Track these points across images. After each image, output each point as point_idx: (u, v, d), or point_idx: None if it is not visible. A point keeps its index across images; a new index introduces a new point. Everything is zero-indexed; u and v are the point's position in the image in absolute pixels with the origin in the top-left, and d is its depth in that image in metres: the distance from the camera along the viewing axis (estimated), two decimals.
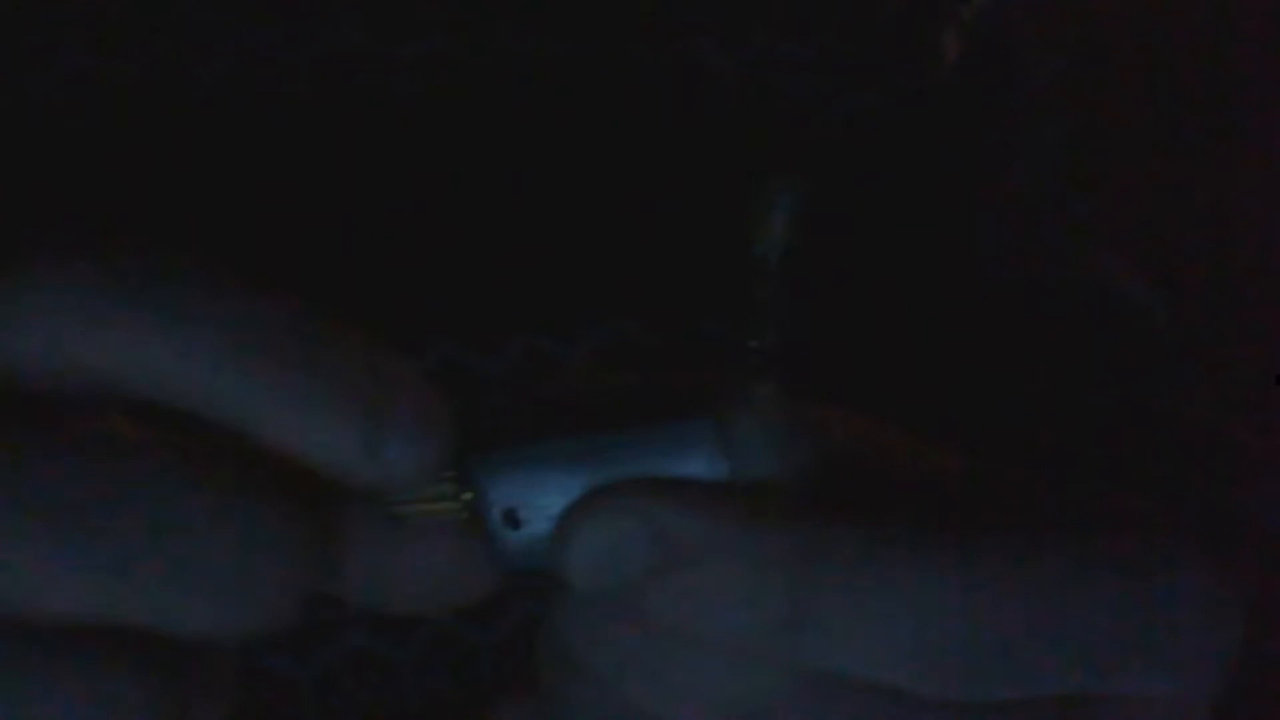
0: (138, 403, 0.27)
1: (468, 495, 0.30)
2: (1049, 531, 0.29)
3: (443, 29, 0.44)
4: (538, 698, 0.31)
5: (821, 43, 0.48)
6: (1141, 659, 0.29)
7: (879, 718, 0.28)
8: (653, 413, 0.29)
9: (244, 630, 0.27)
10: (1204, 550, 0.30)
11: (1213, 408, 0.51)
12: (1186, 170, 1.20)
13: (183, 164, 0.42)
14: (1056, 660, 0.28)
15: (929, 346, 0.51)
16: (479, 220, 0.44)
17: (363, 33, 0.43)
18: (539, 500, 0.29)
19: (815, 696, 0.28)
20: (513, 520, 0.29)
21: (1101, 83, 1.16)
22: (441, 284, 0.44)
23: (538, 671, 0.31)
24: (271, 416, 0.27)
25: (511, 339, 0.44)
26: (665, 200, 0.46)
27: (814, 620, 0.27)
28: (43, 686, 0.26)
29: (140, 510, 0.26)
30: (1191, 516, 0.39)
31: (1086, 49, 1.14)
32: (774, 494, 0.28)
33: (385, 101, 0.43)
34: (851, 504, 0.28)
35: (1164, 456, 0.47)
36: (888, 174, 0.49)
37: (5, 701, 0.26)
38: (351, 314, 0.42)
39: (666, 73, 0.46)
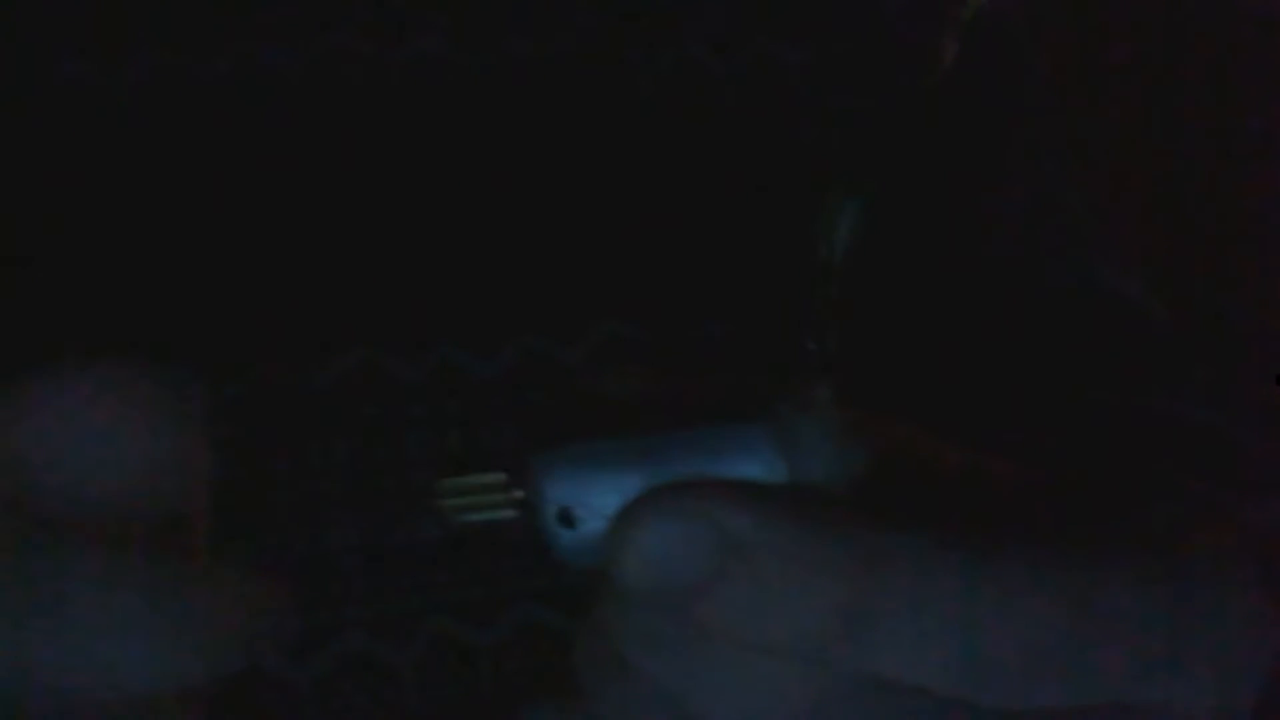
0: None
1: (519, 494, 0.29)
2: (1101, 541, 0.29)
3: (440, 30, 0.44)
4: (574, 698, 0.30)
5: (818, 45, 0.48)
6: (1187, 668, 0.29)
7: None
8: (710, 414, 0.29)
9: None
10: (1248, 561, 0.30)
11: (1212, 408, 0.51)
12: (1187, 170, 1.20)
13: (182, 167, 0.42)
14: (1106, 669, 0.28)
15: (931, 346, 0.51)
16: (477, 221, 0.44)
17: (361, 34, 0.43)
18: (594, 499, 0.29)
19: (868, 702, 0.28)
20: (567, 519, 0.29)
21: (1101, 83, 1.16)
22: (440, 285, 0.44)
23: (575, 671, 0.30)
24: None
25: (510, 340, 0.44)
26: (663, 201, 0.46)
27: (870, 626, 0.27)
28: None
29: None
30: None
31: (1085, 49, 1.14)
32: (833, 499, 0.28)
33: (383, 102, 0.43)
34: (908, 510, 0.28)
35: (1163, 458, 0.48)
36: (889, 176, 0.49)
37: None
38: (351, 315, 0.42)
39: (663, 75, 0.46)
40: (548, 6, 0.45)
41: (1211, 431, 0.50)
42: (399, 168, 0.43)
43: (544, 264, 0.44)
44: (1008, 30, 0.54)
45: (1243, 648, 0.30)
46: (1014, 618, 0.27)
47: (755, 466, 0.29)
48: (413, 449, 0.43)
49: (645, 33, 0.46)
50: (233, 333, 0.42)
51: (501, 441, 0.43)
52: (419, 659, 0.43)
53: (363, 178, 0.43)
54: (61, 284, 0.41)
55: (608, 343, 0.44)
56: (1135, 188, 1.21)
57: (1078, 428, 0.49)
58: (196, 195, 0.42)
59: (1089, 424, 0.49)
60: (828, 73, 0.48)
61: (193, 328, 0.41)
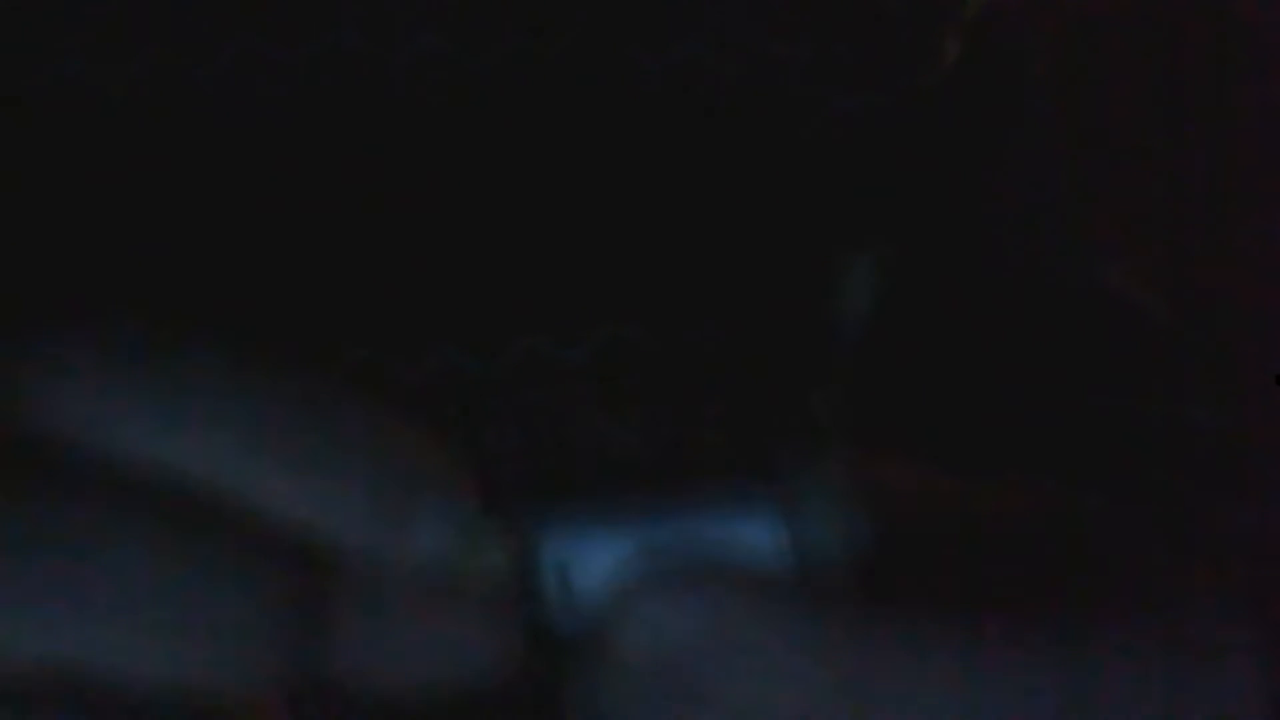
0: None
1: (516, 546, 0.29)
2: (1098, 610, 0.28)
3: (440, 30, 0.43)
4: None
5: (820, 44, 0.47)
6: None
7: None
8: (714, 472, 0.28)
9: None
10: (1253, 630, 0.29)
11: (1215, 410, 0.51)
12: (1187, 170, 1.19)
13: (180, 167, 0.41)
14: None
15: (933, 346, 0.50)
16: (477, 222, 0.44)
17: (360, 33, 0.42)
18: (592, 559, 0.28)
19: None
20: (563, 578, 0.28)
21: (1101, 82, 1.16)
22: (440, 287, 0.43)
23: None
24: (296, 502, 0.26)
25: (511, 342, 0.43)
26: (664, 201, 0.45)
27: (871, 707, 0.27)
28: None
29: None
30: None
31: (1086, 48, 1.14)
32: (836, 578, 0.28)
33: (383, 102, 0.43)
34: (912, 580, 0.28)
35: (1166, 463, 0.47)
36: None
37: None
38: (351, 317, 0.42)
39: (664, 74, 0.45)
40: (548, 5, 0.44)
41: (1211, 432, 0.50)
42: (398, 168, 0.43)
43: (545, 265, 0.44)
44: (1010, 29, 0.53)
45: (1240, 709, 0.29)
46: (1013, 702, 0.27)
47: (760, 529, 0.28)
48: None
49: (646, 32, 0.45)
50: (229, 334, 0.40)
51: (502, 445, 0.43)
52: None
53: (362, 178, 0.43)
54: (60, 284, 0.41)
55: (610, 345, 0.44)
56: (1135, 187, 1.21)
57: (1080, 431, 0.49)
58: (193, 198, 0.41)
59: (1091, 428, 0.49)
60: (830, 72, 0.47)
61: (188, 328, 0.41)
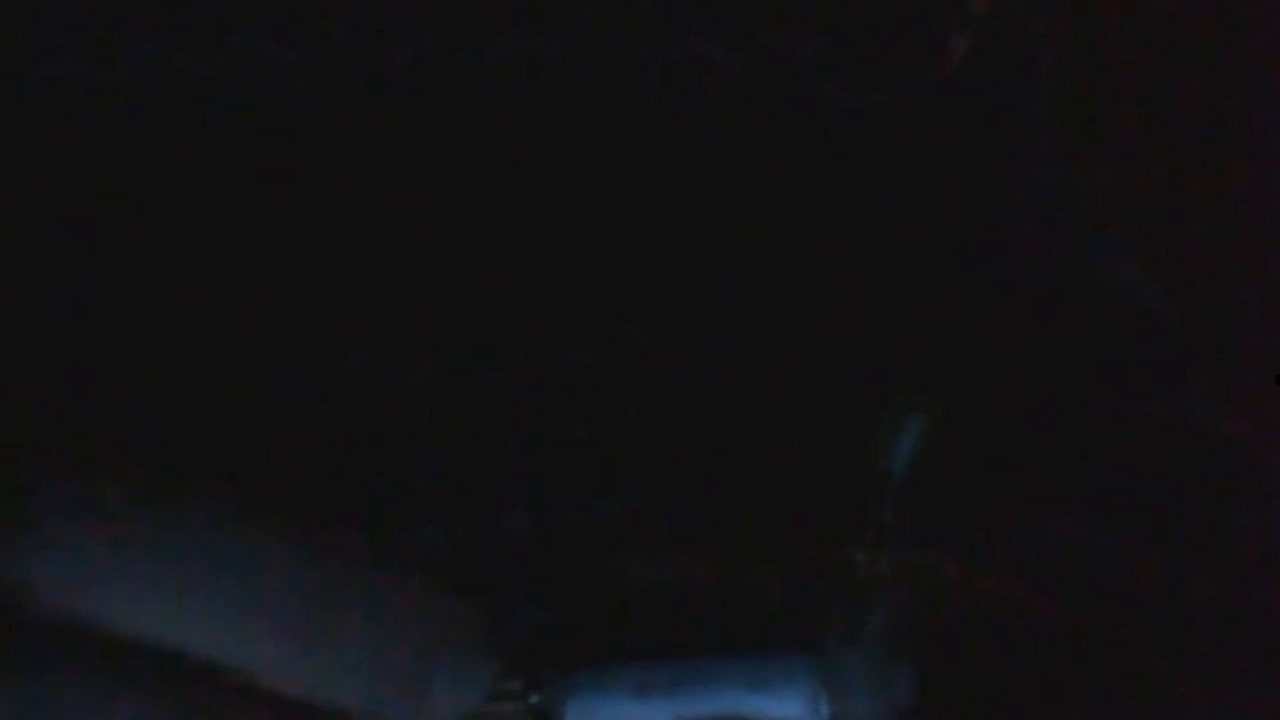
0: None
1: (535, 699, 0.27)
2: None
3: (440, 28, 0.43)
4: None
5: (826, 40, 0.47)
6: None
7: None
8: (749, 640, 0.27)
9: None
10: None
11: (1216, 409, 0.50)
12: (1186, 169, 1.19)
13: (177, 167, 0.41)
14: None
15: (936, 344, 0.50)
16: (478, 223, 0.43)
17: (359, 32, 0.42)
18: None
19: None
20: None
21: (1102, 80, 1.16)
22: (439, 288, 0.43)
23: None
24: (302, 681, 0.25)
25: (512, 343, 0.43)
26: (668, 201, 0.45)
27: None
28: None
29: None
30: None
31: (1088, 47, 1.14)
32: None
33: (382, 102, 0.42)
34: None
35: (1169, 466, 0.47)
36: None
37: None
38: (350, 318, 0.41)
39: (668, 71, 0.45)
40: (551, 2, 0.44)
41: (1214, 432, 0.49)
42: (397, 168, 0.43)
43: (547, 266, 0.44)
44: (1017, 27, 0.52)
45: None
46: None
47: (796, 703, 0.27)
48: (414, 453, 0.42)
49: (650, 29, 0.45)
50: (229, 336, 0.41)
51: (503, 449, 0.42)
52: None
53: (361, 178, 0.42)
54: (57, 283, 0.40)
55: (612, 347, 0.44)
56: (1135, 187, 1.21)
57: (1085, 433, 0.48)
58: (191, 198, 0.41)
59: (1094, 427, 0.49)
60: (837, 69, 0.47)
61: (188, 330, 0.41)
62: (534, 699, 0.27)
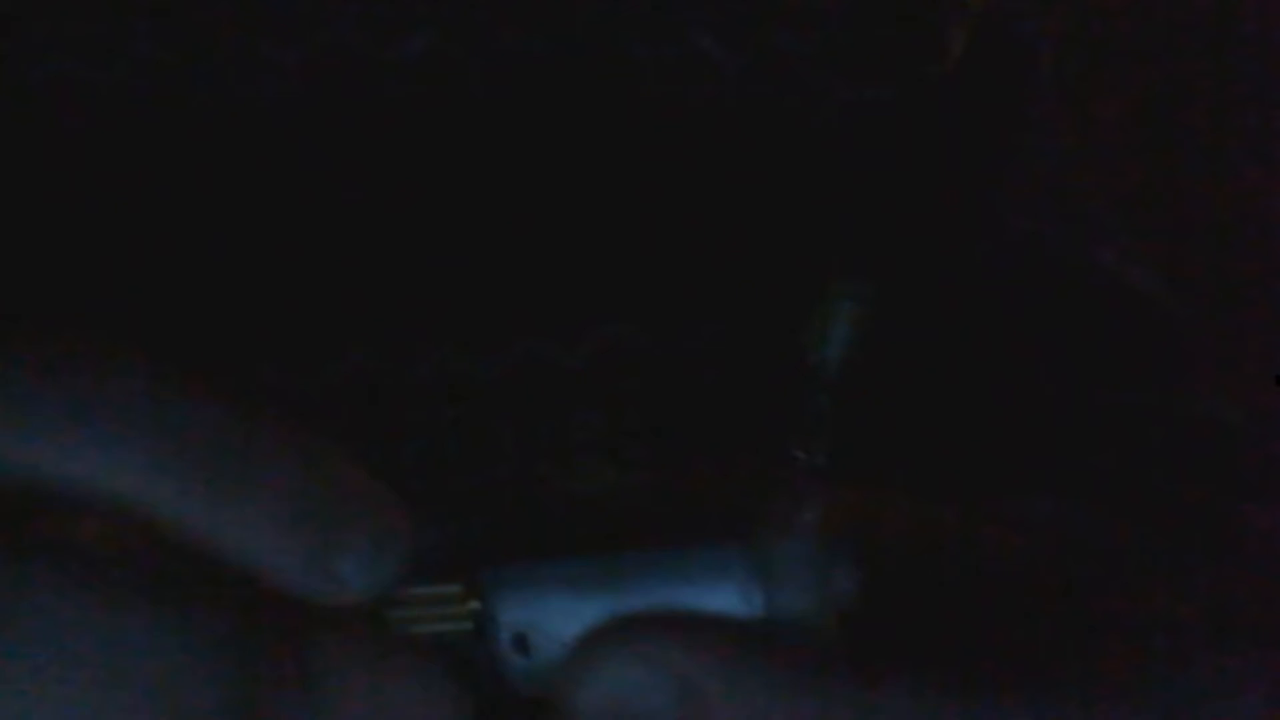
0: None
1: (475, 604, 0.27)
2: (1099, 677, 0.27)
3: (438, 27, 0.42)
4: None
5: (824, 36, 0.46)
6: None
7: None
8: (683, 533, 0.27)
9: None
10: (1261, 681, 0.28)
11: (1219, 404, 0.50)
12: (1186, 169, 1.19)
13: (174, 167, 0.41)
14: None
15: (938, 342, 0.49)
16: (475, 222, 0.43)
17: (357, 31, 0.42)
18: (552, 625, 0.27)
19: None
20: (522, 645, 0.27)
21: (1101, 73, 1.16)
22: (437, 288, 0.42)
23: None
24: (210, 530, 0.26)
25: (509, 343, 0.42)
26: (668, 200, 0.44)
27: None
28: None
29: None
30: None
31: (1088, 45, 1.14)
32: (806, 642, 0.26)
33: (380, 101, 0.42)
34: (888, 644, 0.26)
35: (1174, 461, 0.47)
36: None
37: None
38: (349, 317, 0.41)
39: (666, 68, 0.44)
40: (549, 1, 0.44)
41: (1217, 428, 0.49)
42: (396, 167, 0.42)
43: (545, 266, 0.43)
44: (1016, 21, 0.52)
45: None
46: None
47: (729, 594, 0.26)
48: (410, 453, 0.42)
49: (648, 26, 0.44)
50: (226, 335, 0.41)
51: (500, 448, 0.42)
52: None
53: (359, 178, 0.42)
54: (55, 283, 0.40)
55: (609, 346, 0.43)
56: (1135, 185, 1.21)
57: (1082, 424, 0.48)
58: (188, 198, 0.41)
59: (1094, 421, 0.48)
60: (836, 64, 0.46)
61: (185, 329, 0.41)
62: (474, 604, 0.27)
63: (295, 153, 0.41)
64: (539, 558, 0.27)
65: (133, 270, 0.41)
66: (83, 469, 0.25)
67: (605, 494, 0.27)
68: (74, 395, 0.25)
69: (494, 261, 0.43)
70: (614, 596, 0.26)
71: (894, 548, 0.28)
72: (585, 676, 0.25)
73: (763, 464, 0.28)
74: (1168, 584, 0.31)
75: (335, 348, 0.42)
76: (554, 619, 0.26)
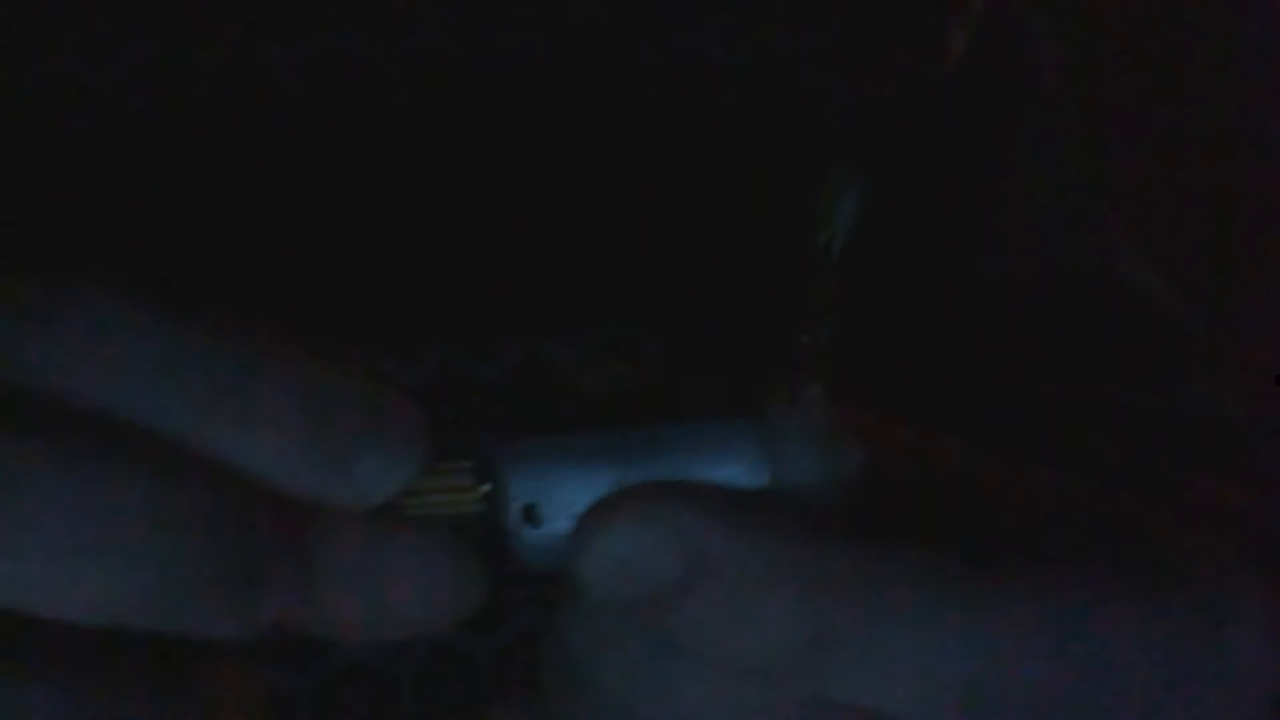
0: None
1: (486, 487, 0.27)
2: (1094, 566, 0.27)
3: (437, 25, 0.43)
4: (538, 701, 0.29)
5: (826, 35, 0.47)
6: (1186, 704, 0.27)
7: None
8: (691, 409, 0.27)
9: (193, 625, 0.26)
10: (1261, 585, 0.28)
11: (1220, 402, 0.50)
12: (1186, 169, 1.19)
13: (174, 166, 0.41)
14: (1096, 707, 0.27)
15: (940, 342, 0.50)
16: (476, 221, 0.43)
17: (356, 30, 0.42)
18: (562, 497, 0.27)
19: None
20: (533, 517, 0.27)
21: (1102, 78, 1.16)
22: (438, 286, 0.43)
23: (539, 675, 0.29)
24: (222, 439, 0.26)
25: (510, 342, 0.43)
26: (669, 198, 0.45)
27: (839, 650, 0.26)
28: None
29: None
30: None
31: (1088, 44, 1.14)
32: (812, 510, 0.26)
33: (379, 100, 0.42)
34: (894, 523, 0.27)
35: (1178, 458, 0.46)
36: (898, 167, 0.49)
37: None
38: (349, 317, 0.42)
39: (667, 67, 0.45)
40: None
41: (1219, 426, 0.49)
42: (396, 166, 0.43)
43: (546, 264, 0.43)
44: (1019, 19, 0.53)
45: (1251, 676, 0.28)
46: (997, 652, 0.26)
47: (737, 467, 0.27)
48: None
49: (649, 25, 0.45)
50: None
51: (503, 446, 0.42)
52: (418, 670, 0.42)
53: (359, 177, 0.42)
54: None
55: (610, 345, 0.43)
56: (1135, 185, 1.21)
57: (1085, 423, 0.48)
58: (188, 197, 0.41)
59: (1096, 420, 0.48)
60: (836, 63, 0.47)
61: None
62: (486, 487, 0.27)
63: (295, 152, 0.42)
64: (548, 433, 0.27)
65: (132, 270, 0.41)
66: (99, 386, 0.26)
67: (617, 379, 0.28)
68: (90, 316, 0.26)
69: (494, 260, 0.43)
70: (623, 469, 0.27)
71: (893, 467, 0.28)
72: (594, 540, 0.26)
73: (770, 344, 0.28)
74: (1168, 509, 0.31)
75: (335, 347, 0.42)
76: (563, 491, 0.27)
